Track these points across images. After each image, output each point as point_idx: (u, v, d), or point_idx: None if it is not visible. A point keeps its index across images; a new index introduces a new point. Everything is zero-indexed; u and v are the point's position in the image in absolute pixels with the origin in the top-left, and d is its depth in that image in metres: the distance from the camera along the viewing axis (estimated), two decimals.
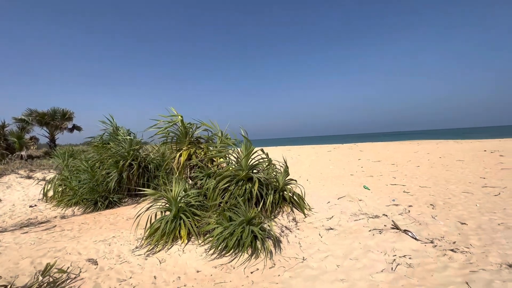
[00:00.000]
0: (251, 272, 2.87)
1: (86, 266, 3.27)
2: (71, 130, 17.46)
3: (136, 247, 3.75)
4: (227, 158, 4.78)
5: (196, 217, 3.97)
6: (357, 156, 14.78)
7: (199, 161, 5.03)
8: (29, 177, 9.07)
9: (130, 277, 2.95)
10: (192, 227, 3.76)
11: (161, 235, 3.71)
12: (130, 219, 4.99)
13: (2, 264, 3.30)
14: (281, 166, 5.00)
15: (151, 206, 4.09)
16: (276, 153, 19.46)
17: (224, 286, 2.68)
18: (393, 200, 5.27)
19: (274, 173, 4.93)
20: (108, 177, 6.73)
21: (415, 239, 3.15)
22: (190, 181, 5.10)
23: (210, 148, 5.28)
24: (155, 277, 2.93)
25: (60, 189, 7.18)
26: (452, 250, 2.81)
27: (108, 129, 8.49)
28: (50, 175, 9.15)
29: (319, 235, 3.65)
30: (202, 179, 4.72)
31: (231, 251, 3.23)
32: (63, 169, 7.84)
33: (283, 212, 4.41)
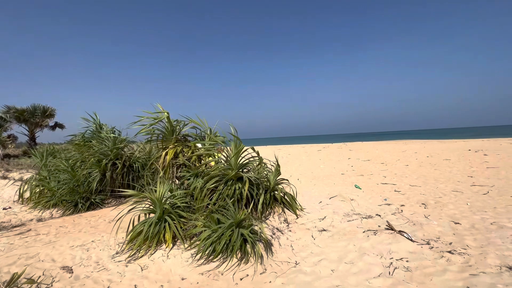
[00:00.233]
0: (241, 279, 2.67)
1: (60, 274, 2.99)
2: (53, 128, 16.70)
3: (117, 253, 3.48)
4: (216, 157, 4.56)
5: (182, 220, 3.73)
6: (346, 155, 14.84)
7: (186, 160, 4.78)
8: (4, 177, 8.50)
9: (108, 287, 2.70)
10: (178, 230, 3.52)
11: (144, 239, 3.46)
12: (113, 222, 4.69)
13: None
14: (272, 165, 4.82)
15: (133, 208, 3.82)
16: (267, 152, 19.33)
17: None
18: (385, 200, 5.20)
19: (265, 172, 4.76)
20: (90, 177, 6.37)
21: (411, 240, 3.05)
22: (177, 181, 4.85)
23: (198, 146, 5.04)
24: (135, 286, 2.69)
25: (38, 190, 6.74)
26: (449, 251, 2.72)
27: (90, 126, 8.08)
28: (28, 175, 8.62)
29: (312, 237, 3.50)
30: (189, 179, 4.48)
31: (219, 256, 3.03)
32: (41, 169, 7.39)
33: (274, 213, 4.24)
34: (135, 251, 3.40)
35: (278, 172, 4.54)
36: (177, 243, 3.51)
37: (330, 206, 4.80)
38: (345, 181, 7.37)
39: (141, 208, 3.94)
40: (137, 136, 5.91)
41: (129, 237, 3.63)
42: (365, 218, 3.97)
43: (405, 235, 3.16)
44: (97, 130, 7.80)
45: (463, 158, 10.64)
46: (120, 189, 4.74)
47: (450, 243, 2.93)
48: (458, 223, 3.61)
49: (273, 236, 3.53)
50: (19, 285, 2.67)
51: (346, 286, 2.36)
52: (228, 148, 4.31)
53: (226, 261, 2.96)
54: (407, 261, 2.64)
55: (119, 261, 3.22)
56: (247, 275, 2.71)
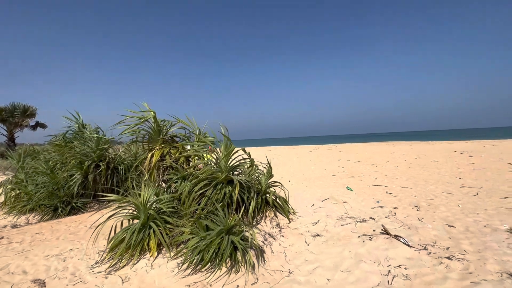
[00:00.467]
0: None
1: None
2: (33, 127, 15.96)
3: (96, 262, 3.21)
4: (205, 159, 4.35)
5: (168, 226, 3.50)
6: (337, 156, 14.89)
7: (173, 161, 4.55)
8: None
9: None
10: (163, 237, 3.30)
11: (126, 247, 3.21)
12: (94, 227, 4.40)
13: None
14: (264, 167, 4.66)
15: (115, 213, 3.56)
16: (257, 154, 19.19)
17: None
18: (378, 202, 5.14)
19: (257, 174, 4.59)
20: (71, 180, 6.02)
21: (408, 245, 2.95)
22: (164, 184, 4.61)
23: (187, 147, 4.81)
24: None
25: (13, 193, 6.31)
26: (448, 257, 2.63)
27: (72, 126, 7.68)
28: (3, 178, 8.10)
29: (306, 242, 3.35)
30: (176, 182, 4.25)
31: (208, 265, 2.82)
32: (17, 171, 6.94)
33: (265, 217, 4.07)
34: (116, 260, 3.15)
35: (270, 174, 4.38)
36: (162, 251, 3.28)
37: (323, 209, 4.68)
38: (337, 183, 7.30)
39: (125, 214, 3.68)
40: (123, 137, 5.64)
41: (110, 245, 3.38)
42: (359, 221, 3.87)
43: (401, 240, 3.06)
44: (80, 130, 7.43)
45: (450, 159, 10.85)
46: (102, 194, 4.43)
47: (448, 248, 2.85)
48: (453, 226, 3.56)
49: (265, 242, 3.36)
50: None
51: None
52: (218, 149, 4.11)
53: (215, 270, 2.76)
54: (405, 268, 2.53)
55: (98, 272, 2.96)
56: (238, 286, 2.53)
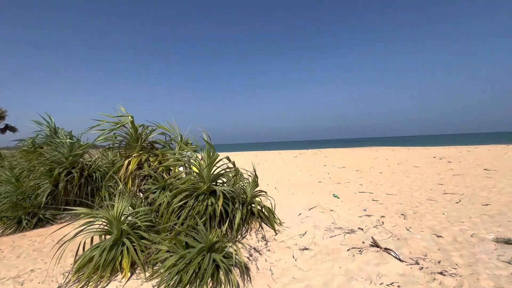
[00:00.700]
0: None
1: None
2: (2, 131, 14.88)
3: (60, 286, 2.84)
4: (187, 168, 4.07)
5: (144, 241, 3.19)
6: (322, 162, 14.94)
7: (152, 170, 4.24)
8: None
9: None
10: (138, 256, 2.98)
11: (95, 268, 2.86)
12: (63, 242, 3.97)
13: None
14: (249, 175, 4.45)
15: (84, 229, 3.20)
16: (243, 159, 18.93)
17: None
18: (365, 210, 5.06)
19: (242, 183, 4.36)
20: (39, 189, 5.52)
21: (399, 259, 2.83)
22: (141, 194, 4.27)
23: (167, 154, 4.51)
24: None
25: None
26: (440, 273, 2.53)
27: (43, 130, 7.11)
28: None
29: (293, 257, 3.16)
30: (155, 192, 3.94)
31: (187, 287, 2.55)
32: None
33: (251, 230, 3.84)
34: (83, 283, 2.80)
35: (255, 183, 4.17)
36: (136, 271, 2.96)
37: (310, 219, 4.53)
38: (323, 190, 7.21)
39: (95, 229, 3.33)
40: (101, 143, 5.25)
41: (77, 265, 3.01)
42: (348, 233, 3.73)
43: (392, 253, 2.94)
44: (51, 135, 6.89)
45: (430, 165, 11.14)
46: (67, 207, 4.02)
47: (439, 262, 2.76)
48: (441, 236, 3.51)
49: (250, 258, 3.13)
50: None
51: None
52: (200, 157, 3.85)
53: None
54: (398, 286, 2.39)
55: None
56: None
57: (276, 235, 3.83)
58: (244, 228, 3.83)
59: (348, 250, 3.20)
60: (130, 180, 4.11)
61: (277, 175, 10.66)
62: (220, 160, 3.76)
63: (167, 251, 2.87)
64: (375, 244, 3.22)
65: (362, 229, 3.90)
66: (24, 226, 5.05)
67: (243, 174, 4.71)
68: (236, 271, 2.77)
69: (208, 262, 2.59)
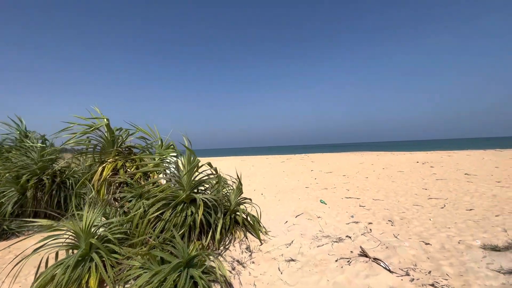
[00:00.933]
0: None
1: None
2: None
3: None
4: (167, 174, 3.81)
5: (115, 256, 2.89)
6: (309, 167, 14.92)
7: (129, 176, 3.94)
8: None
9: None
10: (107, 273, 2.68)
11: (57, 287, 2.54)
12: (26, 257, 3.57)
13: None
14: (233, 181, 4.24)
15: (45, 244, 2.86)
16: (230, 164, 18.62)
17: None
18: (352, 217, 4.96)
19: (225, 190, 4.14)
20: (4, 197, 5.05)
21: (389, 270, 2.70)
22: (116, 203, 3.95)
23: (145, 160, 4.22)
24: None
25: None
26: (432, 285, 2.41)
27: (12, 133, 6.61)
28: None
29: (279, 270, 2.96)
30: (130, 201, 3.64)
31: None
32: None
33: (234, 240, 3.62)
34: None
35: (239, 190, 3.97)
36: None
37: (297, 227, 4.36)
38: (310, 195, 7.09)
39: (61, 244, 2.99)
40: (76, 147, 4.88)
41: (37, 284, 2.67)
42: (336, 241, 3.59)
43: (381, 264, 2.81)
44: (20, 139, 6.40)
45: (414, 170, 11.34)
46: (27, 219, 3.64)
47: (429, 272, 2.65)
48: (429, 244, 3.43)
49: (233, 272, 2.90)
50: None
51: None
52: (180, 163, 3.60)
53: None
54: None
55: None
56: None
57: (261, 245, 3.63)
58: (227, 239, 3.60)
59: (336, 260, 3.04)
60: (103, 188, 3.79)
61: (264, 180, 10.47)
62: (202, 166, 3.53)
63: (141, 267, 2.59)
64: (364, 254, 3.09)
65: (350, 237, 3.77)
66: None
67: (228, 181, 4.49)
68: None
69: (185, 279, 2.34)
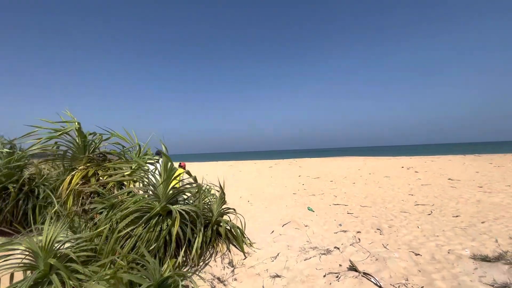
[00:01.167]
0: None
1: None
2: None
3: None
4: (143, 183, 3.51)
5: (79, 277, 2.56)
6: (297, 172, 14.82)
7: (101, 186, 3.60)
8: None
9: None
10: None
11: None
12: None
13: None
14: (217, 190, 3.99)
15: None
16: (219, 169, 18.24)
17: None
18: (340, 225, 4.81)
19: (207, 199, 3.88)
20: None
21: (380, 287, 2.53)
22: (86, 215, 3.60)
23: (121, 168, 3.89)
24: None
25: None
26: None
27: None
28: None
29: (263, 287, 2.72)
30: (101, 213, 3.31)
31: None
32: None
33: (216, 254, 3.35)
34: None
35: (223, 200, 3.72)
36: None
37: (284, 237, 4.15)
38: (297, 202, 6.92)
39: (16, 264, 2.63)
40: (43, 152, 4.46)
41: None
42: (324, 253, 3.40)
43: (372, 280, 2.64)
44: None
45: (399, 175, 11.45)
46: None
47: (422, 287, 2.51)
48: (419, 254, 3.31)
49: None
50: None
51: None
52: (157, 171, 3.32)
53: None
54: None
55: None
56: None
57: (245, 258, 3.39)
58: (208, 253, 3.33)
59: (324, 276, 2.85)
60: (71, 198, 3.43)
61: (251, 186, 10.23)
62: (180, 174, 3.26)
63: None
64: (353, 268, 2.91)
65: (338, 248, 3.59)
66: None
67: (212, 189, 4.24)
68: None
69: None
